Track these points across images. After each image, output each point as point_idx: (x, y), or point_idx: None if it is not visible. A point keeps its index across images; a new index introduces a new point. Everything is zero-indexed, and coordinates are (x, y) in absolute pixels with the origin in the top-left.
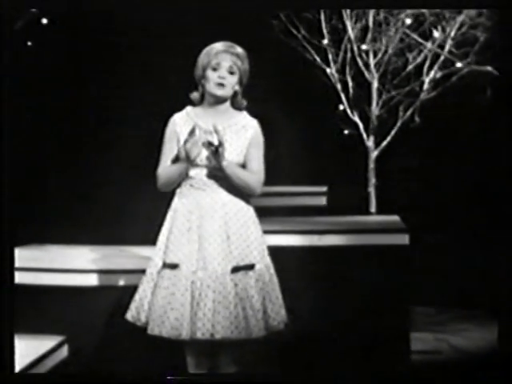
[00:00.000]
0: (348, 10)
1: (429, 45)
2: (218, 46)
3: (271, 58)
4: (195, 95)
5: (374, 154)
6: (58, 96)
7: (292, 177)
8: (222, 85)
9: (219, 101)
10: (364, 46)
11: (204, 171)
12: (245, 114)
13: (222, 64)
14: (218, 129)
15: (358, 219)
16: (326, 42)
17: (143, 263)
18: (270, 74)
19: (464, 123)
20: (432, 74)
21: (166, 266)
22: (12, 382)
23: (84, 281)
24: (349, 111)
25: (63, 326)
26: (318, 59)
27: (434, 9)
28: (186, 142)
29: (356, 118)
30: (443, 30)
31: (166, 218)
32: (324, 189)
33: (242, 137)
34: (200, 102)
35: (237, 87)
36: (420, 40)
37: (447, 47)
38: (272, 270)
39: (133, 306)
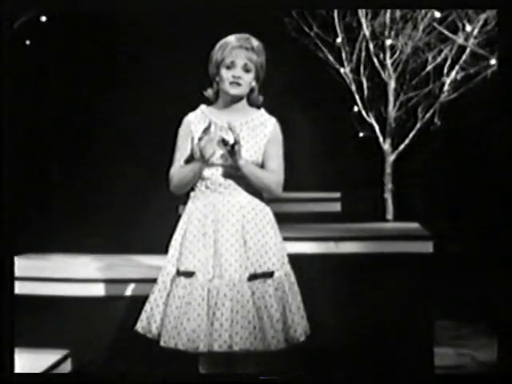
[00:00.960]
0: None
1: (460, 40)
2: (233, 41)
3: (282, 57)
4: (209, 92)
5: (390, 158)
6: (58, 98)
7: (305, 182)
8: (237, 84)
9: (235, 99)
10: (389, 41)
11: (220, 171)
12: (262, 111)
13: (237, 62)
14: (233, 126)
15: (376, 226)
16: (339, 40)
17: (149, 272)
18: (280, 73)
19: (487, 126)
20: (453, 74)
21: (180, 273)
22: (12, 381)
23: (88, 291)
24: (364, 113)
25: (66, 339)
26: (331, 58)
27: (434, 9)
28: (200, 139)
29: (372, 120)
30: (463, 29)
31: (178, 223)
32: (338, 195)
33: (259, 134)
34: (215, 100)
35: (253, 83)
36: (447, 33)
37: (469, 46)
38: (293, 279)
39: (143, 316)
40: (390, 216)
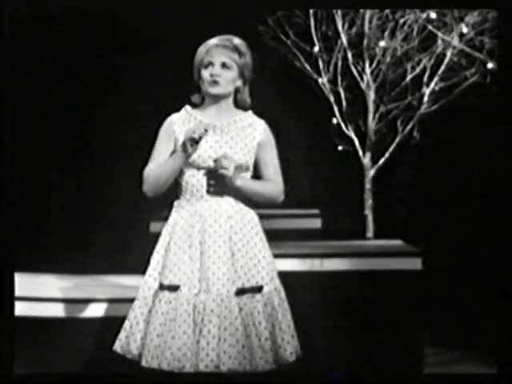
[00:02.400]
0: (340, 14)
1: (455, 41)
2: (211, 41)
3: (257, 66)
4: (196, 98)
5: (370, 173)
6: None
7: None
8: (215, 82)
9: (217, 99)
10: (382, 43)
11: (206, 177)
12: (250, 112)
13: (215, 60)
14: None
15: (360, 243)
16: (316, 49)
17: (117, 292)
18: (256, 83)
19: (468, 138)
20: (432, 85)
21: (164, 287)
22: (12, 381)
23: (54, 311)
24: (343, 125)
25: (30, 361)
26: (308, 68)
27: (433, 9)
28: (187, 132)
29: (351, 133)
30: (443, 40)
31: (161, 234)
32: (316, 211)
33: (248, 135)
34: (201, 104)
35: (238, 83)
36: (441, 35)
37: (448, 55)
38: (283, 295)
39: (122, 335)
40: (370, 234)
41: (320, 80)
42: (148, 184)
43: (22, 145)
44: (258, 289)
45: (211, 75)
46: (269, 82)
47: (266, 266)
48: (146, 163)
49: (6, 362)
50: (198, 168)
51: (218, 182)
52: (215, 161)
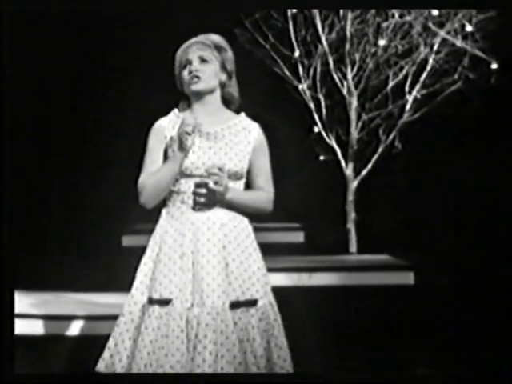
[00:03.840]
0: (318, 18)
1: (458, 42)
2: (187, 42)
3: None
4: (182, 105)
5: (353, 184)
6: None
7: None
8: (196, 77)
9: (203, 97)
10: (382, 42)
11: (198, 185)
12: (243, 115)
13: (192, 57)
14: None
15: (348, 257)
16: (297, 54)
17: (90, 309)
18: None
19: (453, 147)
20: (414, 92)
21: (153, 302)
22: (12, 381)
23: (23, 328)
24: (324, 134)
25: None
26: (288, 73)
27: (434, 9)
28: (178, 129)
29: (333, 142)
30: (425, 44)
31: (148, 245)
32: (296, 225)
33: (243, 140)
34: (188, 107)
35: (222, 77)
36: (444, 34)
37: (430, 62)
38: (276, 309)
39: (106, 354)
40: (353, 248)
41: (300, 86)
42: (146, 193)
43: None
44: (253, 302)
45: (190, 72)
46: (245, 88)
47: (261, 278)
48: (137, 175)
49: (5, 362)
50: (191, 175)
51: (207, 195)
52: (207, 173)
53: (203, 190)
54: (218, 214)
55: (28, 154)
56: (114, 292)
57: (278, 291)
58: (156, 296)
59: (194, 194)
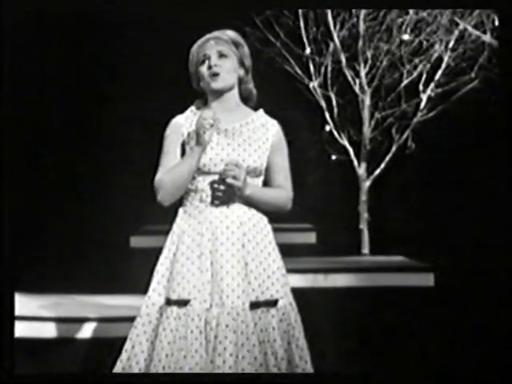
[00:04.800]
0: (330, 15)
1: (487, 38)
2: (203, 38)
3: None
4: (198, 102)
5: (366, 184)
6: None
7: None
8: (216, 74)
9: (222, 95)
10: (406, 37)
11: (216, 182)
12: (261, 111)
13: (210, 52)
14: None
15: (363, 258)
16: (308, 51)
17: (100, 312)
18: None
19: (468, 147)
20: (429, 91)
21: (171, 302)
22: (12, 381)
23: (34, 330)
24: (336, 133)
25: None
26: (299, 71)
27: (434, 9)
28: (196, 123)
29: (345, 142)
30: (440, 41)
31: (165, 245)
32: (308, 225)
33: (261, 137)
34: (205, 105)
35: (241, 73)
36: (470, 28)
37: (445, 60)
38: (296, 310)
39: (124, 356)
40: (365, 249)
41: (311, 84)
42: (164, 191)
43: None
44: (273, 302)
45: (209, 67)
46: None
47: (281, 278)
48: (154, 173)
49: (6, 362)
50: (209, 172)
51: (226, 191)
52: (224, 169)
53: (222, 186)
54: (237, 212)
55: (29, 154)
56: (123, 294)
57: (293, 292)
58: (174, 297)
59: (213, 189)
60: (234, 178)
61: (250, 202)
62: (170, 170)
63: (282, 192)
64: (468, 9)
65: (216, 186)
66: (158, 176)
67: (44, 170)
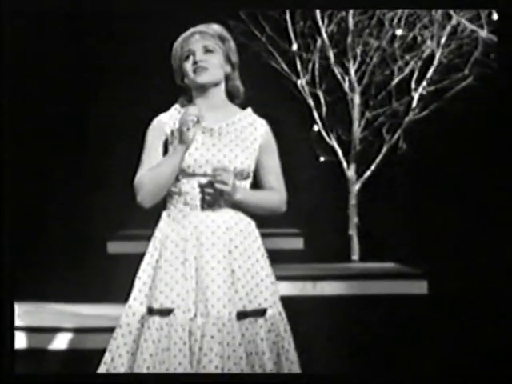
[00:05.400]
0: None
1: (483, 33)
2: (187, 32)
3: None
4: (182, 100)
5: (355, 187)
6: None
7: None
8: (202, 68)
9: (207, 91)
10: (399, 32)
11: (202, 184)
12: (249, 110)
13: (195, 47)
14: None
15: (354, 265)
16: (295, 47)
17: (73, 321)
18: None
19: (462, 147)
20: (420, 89)
21: (154, 312)
22: (12, 381)
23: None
24: (324, 133)
25: None
26: (286, 68)
27: (434, 9)
28: (180, 119)
29: (333, 142)
30: (432, 39)
31: (147, 251)
32: (296, 230)
33: (249, 137)
34: (190, 102)
35: (227, 69)
36: (467, 23)
37: (438, 56)
38: (286, 320)
39: (102, 369)
40: (355, 256)
41: (298, 82)
42: (145, 191)
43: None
44: (261, 312)
45: (195, 62)
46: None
47: (270, 287)
48: (134, 174)
49: (6, 362)
50: (194, 174)
51: (212, 194)
52: (212, 174)
53: (207, 189)
54: (223, 216)
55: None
56: (100, 303)
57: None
58: (156, 306)
59: (198, 192)
60: (223, 182)
61: (241, 207)
62: (151, 170)
63: (275, 194)
64: (468, 9)
65: (201, 188)
66: (138, 175)
67: (15, 173)
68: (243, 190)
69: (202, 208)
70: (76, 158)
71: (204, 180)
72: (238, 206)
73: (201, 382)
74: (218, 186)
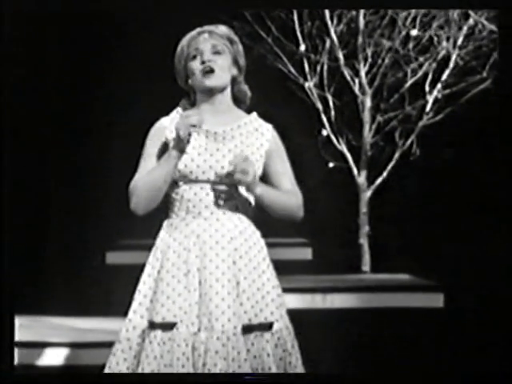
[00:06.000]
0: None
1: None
2: (194, 31)
3: None
4: (184, 102)
5: (366, 195)
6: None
7: (266, 224)
8: (210, 71)
9: (213, 95)
10: (414, 32)
11: (205, 190)
12: (255, 115)
13: (203, 46)
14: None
15: (364, 276)
16: (302, 48)
17: (72, 336)
18: None
19: (479, 153)
20: (435, 92)
21: (155, 326)
22: (12, 381)
23: None
24: (333, 138)
25: None
26: (293, 70)
27: (433, 9)
28: (178, 122)
29: (343, 147)
30: (448, 40)
31: (147, 262)
32: (303, 240)
33: (255, 142)
34: (193, 106)
35: (234, 71)
36: (486, 22)
37: (454, 58)
38: (293, 334)
39: None
40: (366, 267)
41: (306, 84)
42: (138, 197)
43: None
44: (268, 326)
45: (203, 62)
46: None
47: (276, 299)
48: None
49: (6, 362)
50: (196, 180)
51: (216, 201)
52: (232, 163)
53: (212, 196)
54: (228, 225)
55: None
56: (99, 316)
57: (289, 314)
58: (158, 319)
59: (201, 199)
60: (243, 172)
61: (259, 204)
62: (145, 176)
63: (293, 196)
64: (468, 9)
65: (205, 195)
66: (133, 181)
67: (14, 186)
68: (264, 185)
69: (200, 215)
70: (74, 166)
71: (207, 186)
72: (245, 211)
73: (204, 382)
74: (237, 176)
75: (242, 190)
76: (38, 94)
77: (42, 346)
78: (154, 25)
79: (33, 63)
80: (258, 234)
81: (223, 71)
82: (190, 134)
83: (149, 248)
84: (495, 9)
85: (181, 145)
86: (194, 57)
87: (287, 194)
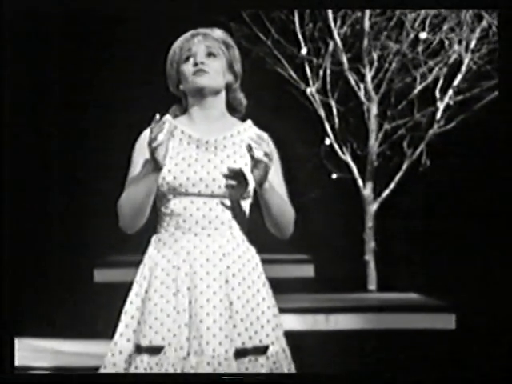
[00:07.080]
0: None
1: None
2: (187, 33)
3: None
4: (174, 109)
5: (372, 208)
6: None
7: (265, 240)
8: (201, 71)
9: (205, 99)
10: (423, 34)
11: (196, 204)
12: (249, 122)
13: (196, 49)
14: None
15: (370, 295)
16: (304, 51)
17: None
18: None
19: (492, 164)
20: (446, 99)
21: (142, 350)
22: (12, 381)
23: None
24: (337, 147)
25: None
26: (294, 75)
27: (433, 9)
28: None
29: (347, 157)
30: (460, 43)
31: (135, 280)
32: (305, 256)
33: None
34: (184, 113)
35: (229, 78)
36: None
37: (466, 62)
38: (290, 358)
39: None
40: (372, 285)
41: (308, 90)
42: (123, 216)
43: None
44: (263, 349)
45: (195, 64)
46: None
47: (272, 320)
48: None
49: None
50: (186, 194)
51: (207, 215)
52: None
53: (202, 210)
54: (220, 241)
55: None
56: (84, 339)
57: (289, 336)
58: (145, 343)
59: (191, 213)
60: (266, 154)
61: (262, 199)
62: (128, 191)
63: (290, 208)
64: (468, 9)
65: (195, 209)
66: (120, 199)
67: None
68: (270, 181)
69: (190, 231)
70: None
71: (198, 200)
72: (239, 225)
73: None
74: (258, 155)
75: (236, 202)
76: (38, 94)
77: (25, 370)
78: (153, 25)
79: (33, 63)
80: (252, 250)
81: (217, 74)
82: (156, 148)
83: (137, 264)
84: (495, 9)
85: (155, 157)
86: (187, 59)
87: (286, 201)
